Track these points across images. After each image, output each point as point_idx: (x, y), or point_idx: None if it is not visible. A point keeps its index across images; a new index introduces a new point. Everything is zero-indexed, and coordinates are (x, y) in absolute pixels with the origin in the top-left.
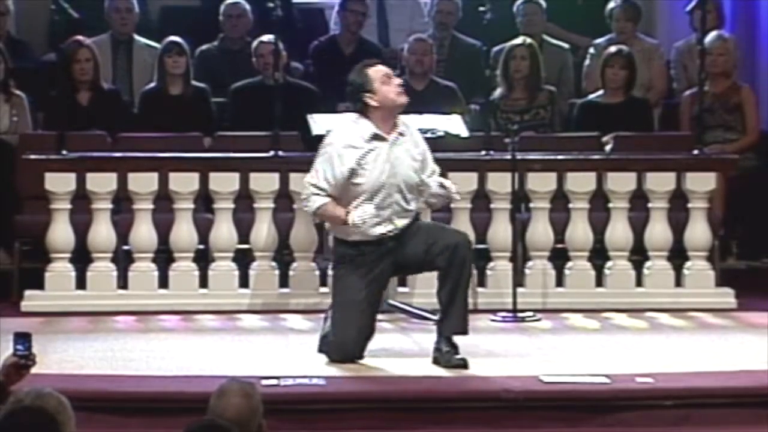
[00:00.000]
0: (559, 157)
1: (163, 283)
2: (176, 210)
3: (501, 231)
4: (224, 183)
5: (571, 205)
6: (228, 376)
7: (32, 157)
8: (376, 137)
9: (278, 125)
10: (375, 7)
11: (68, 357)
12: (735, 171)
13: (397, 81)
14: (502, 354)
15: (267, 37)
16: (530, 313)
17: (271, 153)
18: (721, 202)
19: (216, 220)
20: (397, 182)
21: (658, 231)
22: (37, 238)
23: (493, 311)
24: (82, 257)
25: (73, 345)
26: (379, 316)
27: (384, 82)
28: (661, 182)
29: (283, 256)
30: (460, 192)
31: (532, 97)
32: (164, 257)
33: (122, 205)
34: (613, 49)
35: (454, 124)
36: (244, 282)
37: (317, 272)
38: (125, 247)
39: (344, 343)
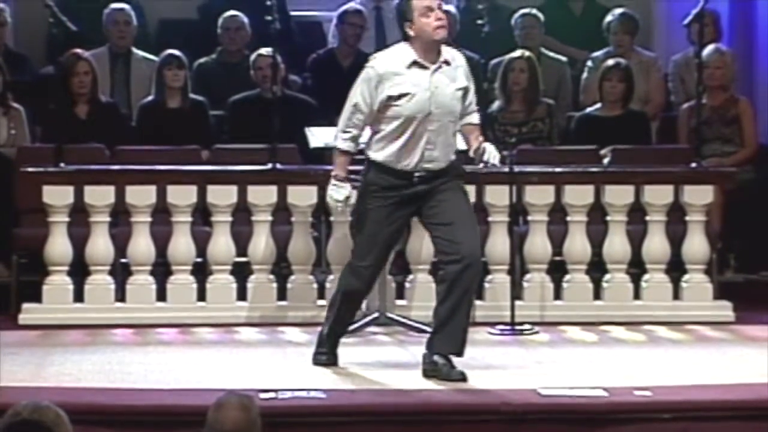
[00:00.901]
0: (557, 169)
1: (161, 296)
2: (174, 223)
3: (499, 244)
4: (222, 196)
5: (569, 218)
6: (226, 389)
7: (30, 170)
8: (416, 64)
9: (276, 138)
10: (373, 20)
11: (66, 370)
12: (733, 184)
13: (438, 15)
14: (501, 367)
15: (265, 50)
16: (528, 326)
17: (269, 166)
18: (719, 215)
19: (214, 233)
20: (435, 110)
21: (656, 244)
22: (35, 251)
23: (491, 324)
24: (80, 270)
25: (71, 358)
26: (377, 329)
27: (423, 14)
28: (659, 195)
29: (281, 269)
30: None
31: (530, 109)
32: (162, 270)
33: (120, 218)
34: (610, 62)
35: None
36: (242, 295)
37: (315, 285)
38: (123, 260)
39: (360, 267)
